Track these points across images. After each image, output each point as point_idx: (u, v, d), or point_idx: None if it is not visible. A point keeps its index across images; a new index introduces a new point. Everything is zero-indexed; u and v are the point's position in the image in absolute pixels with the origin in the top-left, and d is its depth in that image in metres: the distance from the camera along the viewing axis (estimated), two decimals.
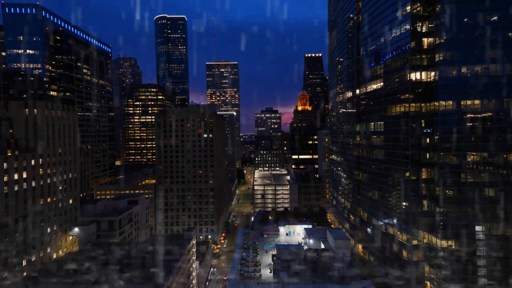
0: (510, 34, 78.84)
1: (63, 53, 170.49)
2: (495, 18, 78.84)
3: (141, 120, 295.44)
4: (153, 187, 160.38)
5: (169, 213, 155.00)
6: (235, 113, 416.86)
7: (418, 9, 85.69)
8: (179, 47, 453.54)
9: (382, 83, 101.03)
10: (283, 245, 79.34)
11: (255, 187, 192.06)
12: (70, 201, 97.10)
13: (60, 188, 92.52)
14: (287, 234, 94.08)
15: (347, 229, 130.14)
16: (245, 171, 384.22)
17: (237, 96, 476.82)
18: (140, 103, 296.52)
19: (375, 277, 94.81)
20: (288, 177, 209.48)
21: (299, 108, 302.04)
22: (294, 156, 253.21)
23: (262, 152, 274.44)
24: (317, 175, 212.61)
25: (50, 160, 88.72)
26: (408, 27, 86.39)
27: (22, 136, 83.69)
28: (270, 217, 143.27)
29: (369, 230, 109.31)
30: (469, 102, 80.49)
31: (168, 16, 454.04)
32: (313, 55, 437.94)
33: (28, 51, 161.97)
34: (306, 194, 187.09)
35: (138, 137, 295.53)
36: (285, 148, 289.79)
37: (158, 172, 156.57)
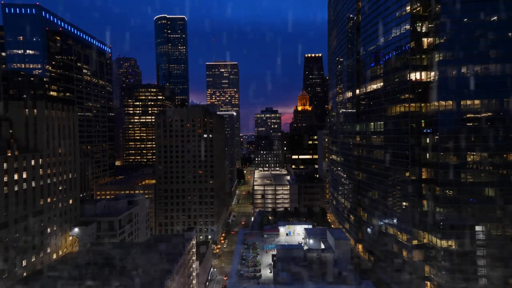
0: (510, 34, 78.89)
1: (63, 53, 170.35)
2: (495, 18, 78.82)
3: (141, 120, 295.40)
4: (153, 187, 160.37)
5: (169, 213, 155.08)
6: (235, 113, 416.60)
7: (418, 9, 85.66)
8: (179, 47, 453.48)
9: (382, 83, 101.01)
10: (283, 245, 79.32)
11: (255, 187, 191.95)
12: (70, 201, 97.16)
13: (60, 188, 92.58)
14: (287, 234, 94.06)
15: (347, 229, 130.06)
16: (245, 171, 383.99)
17: (237, 96, 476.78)
18: (140, 103, 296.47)
19: (375, 277, 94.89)
20: (288, 177, 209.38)
21: (299, 108, 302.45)
22: (294, 156, 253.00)
23: (262, 152, 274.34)
24: (317, 175, 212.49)
25: (50, 160, 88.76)
26: (408, 27, 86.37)
27: (22, 136, 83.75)
28: (270, 217, 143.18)
29: (369, 230, 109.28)
30: (469, 102, 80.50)
31: (168, 16, 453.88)
32: (313, 55, 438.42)
33: (28, 51, 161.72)
34: (306, 194, 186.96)
35: (138, 137, 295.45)
36: (285, 148, 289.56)
37: (158, 172, 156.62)
